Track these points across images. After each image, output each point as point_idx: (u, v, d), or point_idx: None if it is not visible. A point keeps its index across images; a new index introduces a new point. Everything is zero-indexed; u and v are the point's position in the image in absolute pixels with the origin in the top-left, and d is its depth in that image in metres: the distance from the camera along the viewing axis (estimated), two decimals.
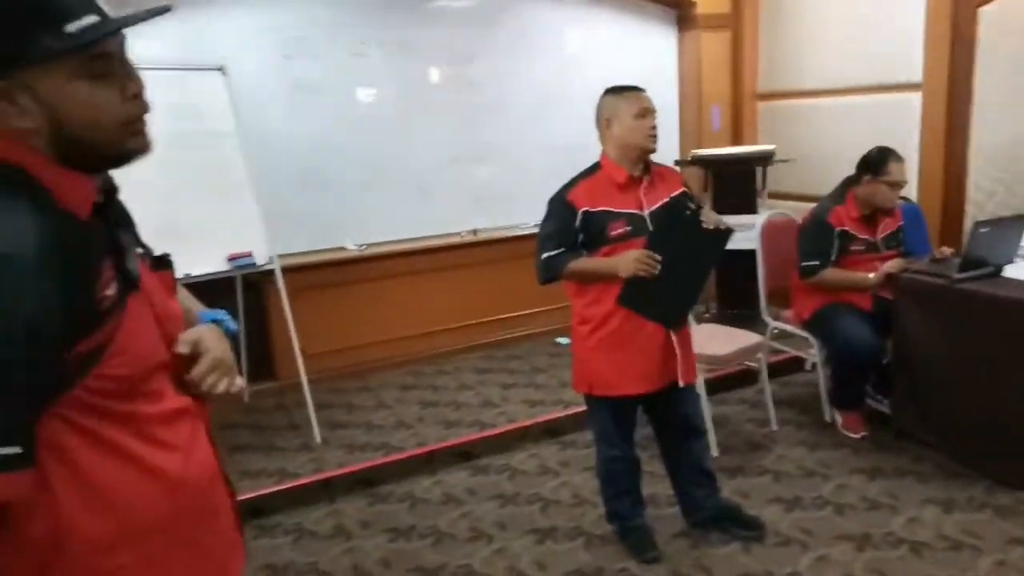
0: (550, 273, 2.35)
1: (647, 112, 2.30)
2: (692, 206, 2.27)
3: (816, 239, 3.16)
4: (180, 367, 1.08)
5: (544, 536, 2.67)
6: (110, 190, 1.00)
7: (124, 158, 0.98)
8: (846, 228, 3.14)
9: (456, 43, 4.40)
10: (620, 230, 2.29)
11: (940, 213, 4.04)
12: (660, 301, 2.27)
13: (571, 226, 2.30)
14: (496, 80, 4.52)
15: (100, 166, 0.98)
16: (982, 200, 3.86)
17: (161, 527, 1.00)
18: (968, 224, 3.92)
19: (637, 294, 2.25)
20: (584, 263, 2.32)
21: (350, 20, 4.10)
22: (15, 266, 0.81)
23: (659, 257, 2.19)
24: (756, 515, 2.65)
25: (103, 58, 0.92)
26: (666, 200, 2.37)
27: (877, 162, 3.06)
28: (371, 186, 4.26)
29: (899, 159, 3.06)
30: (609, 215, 2.30)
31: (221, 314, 1.22)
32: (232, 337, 1.18)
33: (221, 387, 1.10)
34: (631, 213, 2.31)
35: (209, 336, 1.11)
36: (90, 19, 0.89)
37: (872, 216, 3.17)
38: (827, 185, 4.44)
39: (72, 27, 0.88)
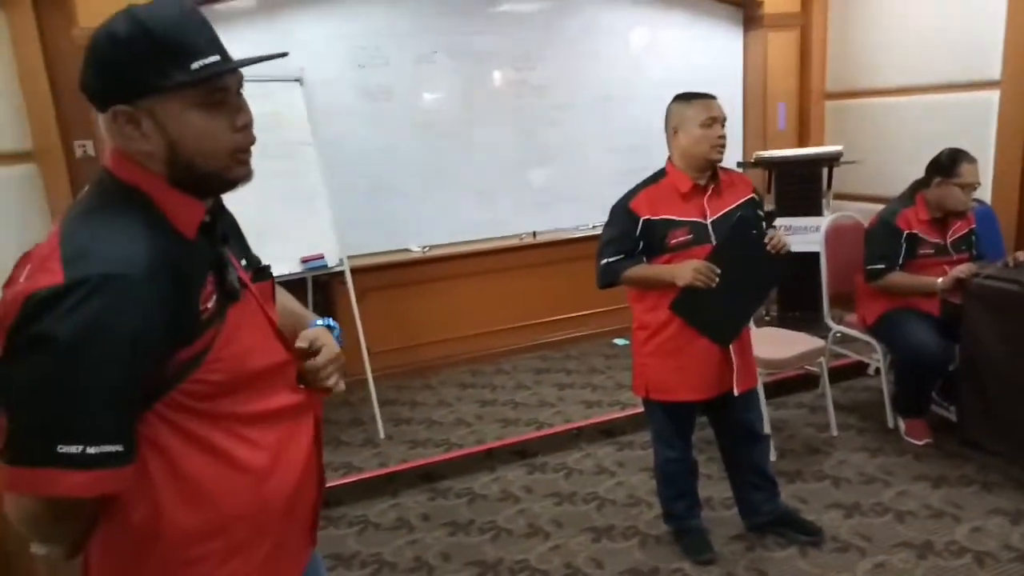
0: (609, 278, 2.39)
1: (715, 121, 2.28)
2: (755, 230, 2.26)
3: (883, 242, 3.11)
4: (295, 363, 1.18)
5: (600, 534, 2.72)
6: (217, 210, 1.10)
7: (229, 184, 1.08)
8: (914, 231, 3.07)
9: (520, 47, 4.47)
10: (681, 238, 2.30)
11: (1016, 216, 3.90)
12: (712, 315, 2.28)
13: (632, 233, 2.33)
14: (559, 83, 4.58)
15: (207, 191, 1.08)
16: None
17: (245, 518, 1.09)
18: None
19: (691, 304, 2.27)
20: (642, 270, 2.34)
21: (418, 28, 4.23)
22: (126, 285, 0.91)
23: (718, 270, 2.20)
24: (815, 520, 2.65)
25: (220, 91, 1.02)
26: (732, 207, 2.36)
27: (948, 164, 2.99)
28: (435, 189, 4.39)
29: (972, 160, 2.98)
30: (670, 223, 2.31)
31: (331, 322, 1.35)
32: (339, 344, 1.30)
33: (333, 381, 1.24)
34: (693, 221, 2.32)
35: (324, 336, 1.25)
36: (213, 58, 1.00)
37: (943, 219, 3.10)
38: (896, 186, 4.34)
39: (196, 64, 0.98)
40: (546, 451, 3.35)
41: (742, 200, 2.40)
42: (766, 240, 2.27)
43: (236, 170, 1.07)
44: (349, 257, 3.63)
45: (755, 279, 2.32)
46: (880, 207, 3.33)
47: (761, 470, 2.58)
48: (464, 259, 4.44)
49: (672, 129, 2.36)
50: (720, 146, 2.30)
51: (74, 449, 0.89)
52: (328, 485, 3.08)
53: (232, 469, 1.07)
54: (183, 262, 1.00)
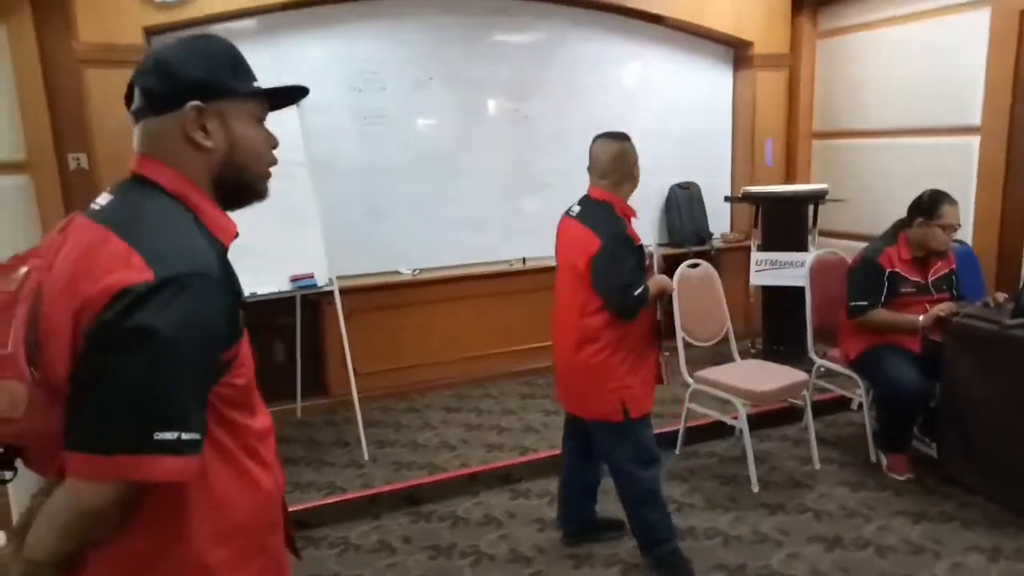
0: (638, 307, 2.40)
1: None
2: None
3: (865, 279, 3.17)
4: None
5: (581, 562, 2.71)
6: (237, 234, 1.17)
7: (258, 195, 1.18)
8: (896, 270, 3.14)
9: (514, 77, 4.55)
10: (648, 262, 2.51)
11: (996, 257, 3.99)
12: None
13: (641, 263, 2.47)
14: (551, 114, 4.66)
15: (240, 200, 1.16)
16: None
17: (250, 531, 1.13)
18: None
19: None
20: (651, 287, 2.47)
21: (415, 55, 4.30)
22: (208, 283, 0.98)
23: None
24: (795, 552, 2.68)
25: (264, 111, 1.17)
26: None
27: (930, 205, 3.06)
28: (426, 213, 4.42)
29: (952, 202, 3.06)
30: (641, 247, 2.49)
31: None
32: None
33: None
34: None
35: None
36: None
37: (924, 258, 3.17)
38: (879, 225, 4.43)
39: (255, 83, 1.15)
40: (530, 477, 3.34)
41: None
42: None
43: (264, 184, 1.18)
44: (338, 277, 3.64)
45: None
46: (863, 245, 3.40)
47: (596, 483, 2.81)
48: (453, 283, 4.47)
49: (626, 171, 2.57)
50: None
51: (170, 436, 0.94)
52: (310, 505, 3.10)
53: (244, 479, 1.11)
54: (230, 269, 1.08)
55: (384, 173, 4.30)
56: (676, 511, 2.98)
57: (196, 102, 1.07)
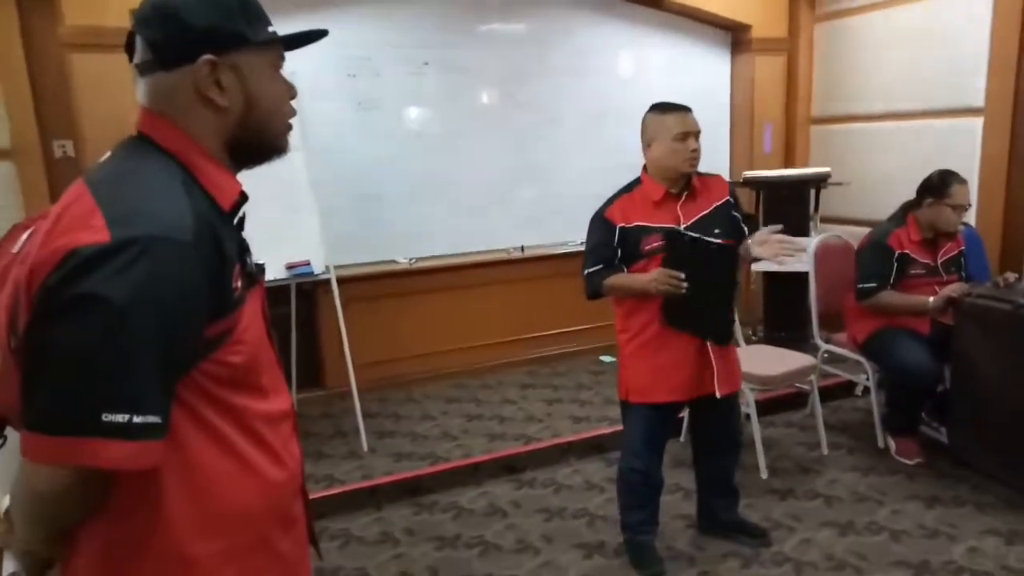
0: (592, 289, 2.42)
1: (688, 135, 2.31)
2: (687, 238, 2.30)
3: (874, 261, 3.12)
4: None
5: (591, 551, 2.65)
6: (244, 196, 1.07)
7: (279, 151, 1.08)
8: (906, 251, 3.09)
9: (510, 63, 4.47)
10: (654, 244, 2.33)
11: (1000, 239, 3.95)
12: (699, 316, 2.32)
13: (609, 242, 2.36)
14: (549, 100, 4.58)
15: (259, 157, 1.07)
16: None
17: (247, 524, 1.02)
18: None
19: (677, 313, 2.31)
20: (618, 279, 2.36)
21: (410, 41, 4.20)
22: (174, 248, 0.87)
23: (679, 275, 2.20)
24: (809, 539, 2.63)
25: (281, 59, 1.06)
26: (707, 212, 2.40)
27: (940, 185, 3.01)
28: (424, 201, 4.34)
29: (962, 181, 3.01)
30: (644, 230, 2.34)
31: None
32: None
33: None
34: (667, 228, 2.34)
35: None
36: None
37: (933, 240, 3.12)
38: (879, 210, 4.38)
39: (271, 28, 1.04)
40: (534, 466, 3.28)
41: (717, 204, 2.43)
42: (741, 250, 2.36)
43: (285, 139, 1.08)
44: (335, 267, 3.56)
45: (715, 274, 2.34)
46: (863, 230, 3.35)
47: (728, 479, 2.64)
48: (451, 272, 4.39)
49: (647, 141, 2.38)
50: (693, 159, 2.34)
51: (120, 418, 0.84)
52: (310, 498, 3.01)
53: (241, 467, 1.01)
54: (221, 233, 0.96)
55: (380, 160, 4.21)
56: (685, 498, 2.93)
57: (209, 56, 0.97)
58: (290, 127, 1.09)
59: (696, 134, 2.34)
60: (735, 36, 5.03)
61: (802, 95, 5.04)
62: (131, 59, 1.03)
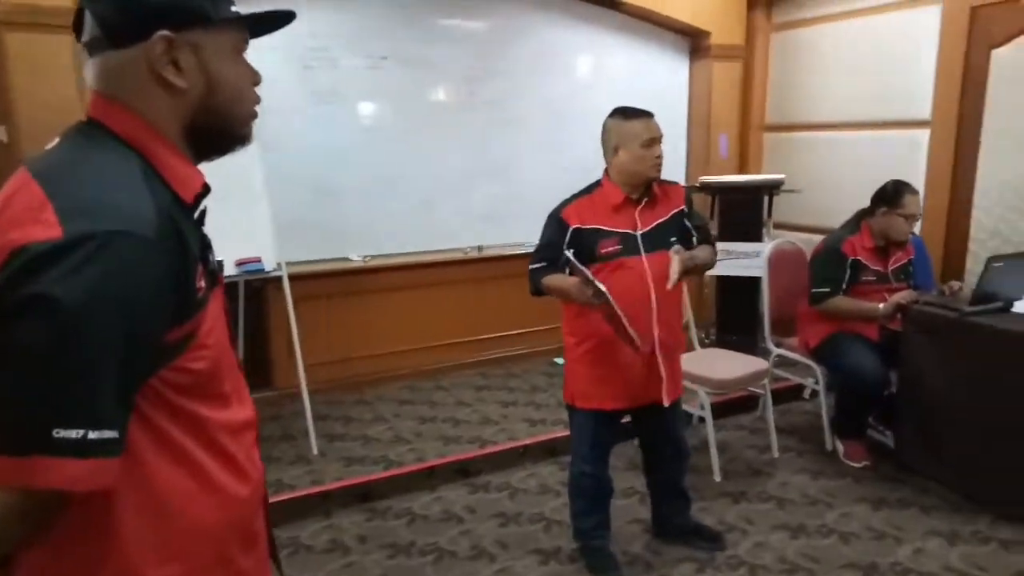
0: (534, 286, 2.40)
1: (654, 141, 2.31)
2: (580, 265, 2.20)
3: (828, 266, 3.17)
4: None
5: (548, 557, 2.62)
6: (207, 188, 0.99)
7: (240, 140, 1.01)
8: (859, 258, 3.15)
9: (471, 61, 4.41)
10: (610, 248, 2.32)
11: (943, 248, 4.07)
12: (621, 324, 2.21)
13: (559, 243, 2.33)
14: (508, 99, 4.54)
15: (220, 146, 1.00)
16: (984, 238, 3.89)
17: (207, 544, 0.95)
18: (970, 261, 3.96)
19: (611, 320, 2.23)
20: (551, 280, 2.33)
21: (368, 33, 4.11)
22: (134, 245, 0.79)
23: (588, 291, 2.12)
24: (762, 542, 2.66)
25: (244, 42, 0.98)
26: (663, 220, 2.38)
27: (893, 195, 3.08)
28: (379, 198, 4.25)
29: (914, 192, 3.09)
30: (600, 233, 2.32)
31: None
32: None
33: None
34: (624, 233, 2.33)
35: None
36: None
37: (885, 248, 3.19)
38: (829, 217, 4.47)
39: (234, 7, 0.96)
40: (489, 470, 3.24)
41: (674, 211, 2.42)
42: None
43: (249, 127, 1.01)
44: (286, 263, 3.45)
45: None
46: (811, 236, 3.41)
47: (677, 485, 2.64)
48: (405, 271, 4.31)
49: (612, 147, 2.35)
50: (659, 165, 2.33)
51: (74, 434, 0.75)
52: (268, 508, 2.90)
53: (202, 483, 0.94)
54: (184, 228, 0.88)
55: (335, 154, 4.10)
56: (640, 502, 2.93)
57: (165, 32, 0.89)
58: (255, 115, 1.02)
59: (660, 139, 2.34)
60: (693, 42, 5.07)
61: (756, 102, 5.12)
62: (79, 38, 0.95)
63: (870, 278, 3.16)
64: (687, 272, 2.30)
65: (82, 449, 0.76)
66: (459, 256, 4.47)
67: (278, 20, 1.02)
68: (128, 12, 0.89)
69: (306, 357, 3.49)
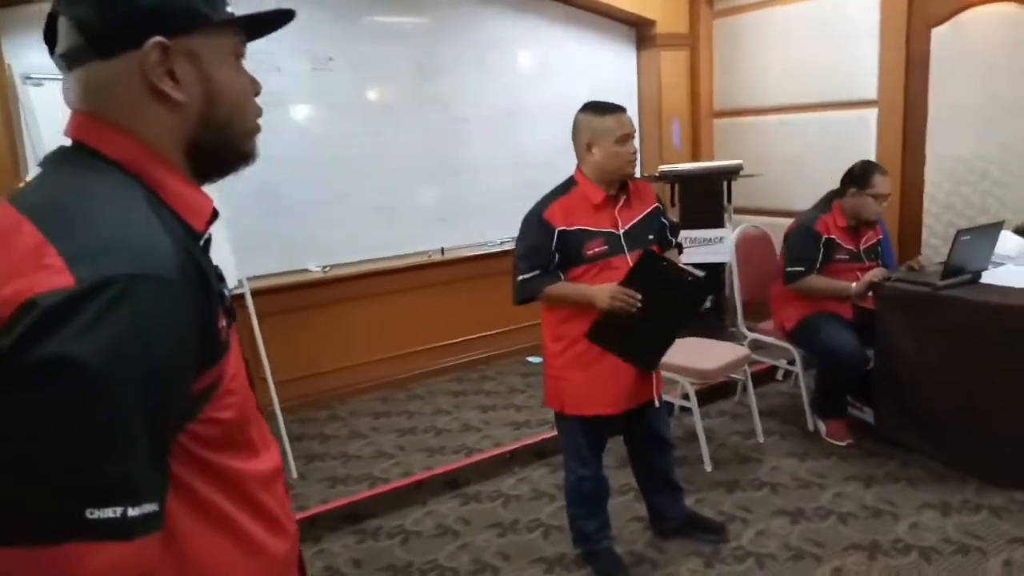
0: (525, 295, 2.31)
1: (629, 137, 2.25)
2: (665, 263, 2.20)
3: (803, 245, 3.20)
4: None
5: (552, 564, 2.55)
6: (215, 213, 0.87)
7: (244, 157, 0.90)
8: (832, 236, 3.19)
9: (419, 59, 4.29)
10: (597, 249, 2.26)
11: (898, 225, 4.18)
12: (633, 341, 2.22)
13: (547, 247, 2.25)
14: (459, 96, 4.44)
15: (223, 165, 0.88)
16: (938, 211, 4.02)
17: None
18: (926, 234, 4.08)
19: (609, 330, 2.20)
20: (561, 289, 2.27)
21: (313, 34, 3.94)
22: (158, 289, 0.68)
23: (636, 295, 2.14)
24: (763, 530, 2.65)
25: (243, 47, 0.87)
26: (641, 217, 2.34)
27: (862, 175, 3.13)
28: (334, 205, 4.09)
29: (883, 172, 3.14)
30: (586, 234, 2.26)
31: None
32: None
33: None
34: (607, 232, 2.27)
35: None
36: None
37: (856, 227, 3.24)
38: (785, 200, 4.55)
39: (229, 8, 0.85)
40: (478, 479, 3.15)
41: (649, 209, 2.39)
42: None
43: (253, 143, 0.90)
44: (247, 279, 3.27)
45: (675, 305, 2.25)
46: (774, 220, 3.43)
47: (668, 476, 2.61)
48: (369, 279, 4.16)
49: (585, 143, 2.28)
50: (633, 161, 2.29)
51: (111, 512, 0.64)
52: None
53: (243, 546, 0.84)
54: (202, 263, 0.77)
55: (284, 162, 3.89)
56: (636, 499, 2.89)
57: (159, 38, 0.77)
58: (258, 128, 0.91)
59: (633, 134, 2.28)
60: (639, 31, 5.07)
61: (704, 90, 5.16)
62: (51, 51, 0.82)
63: (843, 256, 3.21)
64: None
65: (122, 530, 0.65)
66: (422, 260, 4.35)
67: (279, 18, 0.91)
68: (116, 16, 0.77)
69: (274, 375, 3.33)
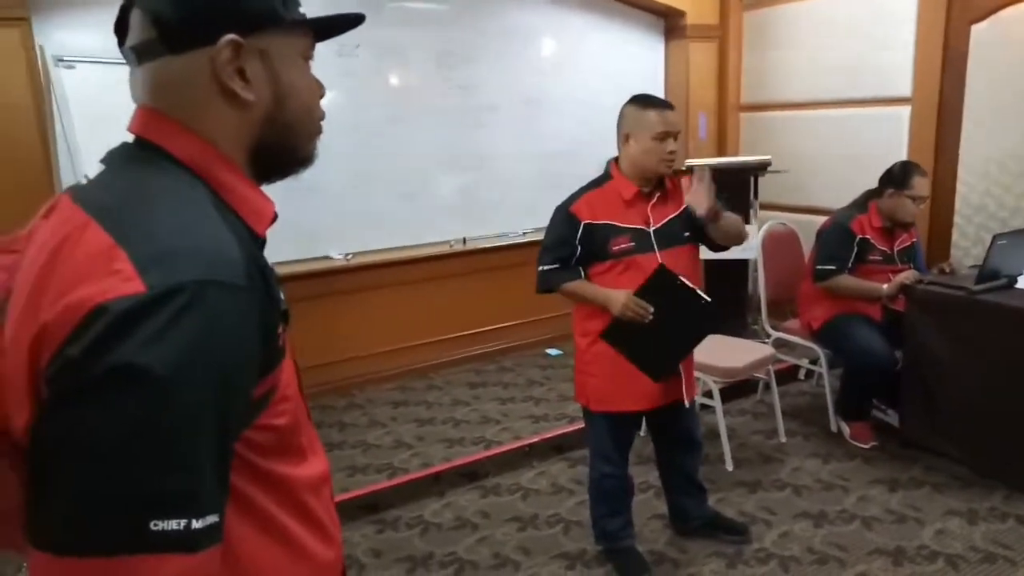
0: (544, 287, 2.32)
1: (668, 135, 2.20)
2: (678, 281, 2.16)
3: (836, 244, 3.16)
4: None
5: (573, 561, 2.54)
6: (275, 216, 0.86)
7: (304, 160, 0.88)
8: (867, 236, 3.15)
9: (445, 46, 4.26)
10: (623, 245, 2.22)
11: (928, 225, 4.11)
12: (645, 349, 2.21)
13: (570, 239, 2.24)
14: (485, 84, 4.40)
15: (283, 167, 0.87)
16: (970, 213, 3.94)
17: None
18: (956, 235, 4.01)
19: (623, 334, 2.20)
20: (579, 287, 2.26)
21: None
22: (228, 296, 0.67)
23: (648, 308, 2.13)
24: (786, 531, 2.63)
25: (312, 48, 0.87)
26: (674, 215, 2.30)
27: (902, 176, 3.07)
28: (358, 193, 4.08)
29: (923, 173, 3.09)
30: (612, 229, 2.22)
31: None
32: None
33: None
34: (636, 229, 2.24)
35: None
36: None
37: (891, 229, 3.19)
38: (812, 196, 4.48)
39: (300, 10, 0.85)
40: (497, 471, 3.14)
41: (683, 208, 2.33)
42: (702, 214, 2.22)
43: (314, 146, 0.88)
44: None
45: (687, 322, 2.22)
46: (800, 217, 3.38)
47: (693, 477, 2.60)
48: (390, 267, 4.15)
49: (624, 134, 2.26)
50: (670, 162, 2.24)
51: (175, 524, 0.63)
52: None
53: (292, 552, 0.82)
54: (266, 268, 0.76)
55: None
56: (656, 496, 2.87)
57: (233, 36, 0.76)
58: (320, 131, 0.89)
59: (676, 135, 2.23)
60: (668, 22, 5.00)
61: (732, 83, 5.09)
62: (121, 42, 0.80)
63: (876, 257, 3.16)
64: (713, 218, 2.23)
65: (187, 542, 0.64)
66: (445, 250, 4.33)
67: (349, 21, 0.90)
68: (193, 11, 0.76)
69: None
